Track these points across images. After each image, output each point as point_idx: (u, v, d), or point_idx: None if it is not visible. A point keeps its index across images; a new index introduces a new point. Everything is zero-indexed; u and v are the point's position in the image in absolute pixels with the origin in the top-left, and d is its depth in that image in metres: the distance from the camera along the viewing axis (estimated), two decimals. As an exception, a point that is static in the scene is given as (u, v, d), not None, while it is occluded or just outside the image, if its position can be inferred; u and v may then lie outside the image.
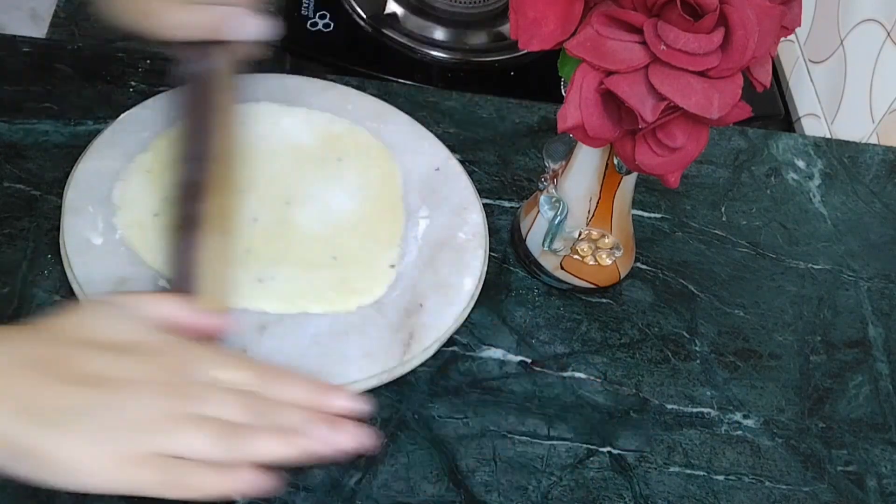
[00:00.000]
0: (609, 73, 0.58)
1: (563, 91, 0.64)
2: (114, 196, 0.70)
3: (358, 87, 0.82)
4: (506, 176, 0.81)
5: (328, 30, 1.11)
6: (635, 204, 0.77)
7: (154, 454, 0.51)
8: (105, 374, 0.52)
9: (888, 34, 0.97)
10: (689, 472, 0.67)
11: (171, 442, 0.52)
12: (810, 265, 0.81)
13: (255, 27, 0.70)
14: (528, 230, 0.74)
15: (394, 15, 1.13)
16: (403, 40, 1.12)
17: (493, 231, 0.76)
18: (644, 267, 0.78)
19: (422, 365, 0.68)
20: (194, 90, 0.69)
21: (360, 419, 0.56)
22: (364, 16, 1.13)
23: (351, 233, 0.72)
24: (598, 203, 0.70)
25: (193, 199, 0.64)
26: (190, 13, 0.68)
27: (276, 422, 0.54)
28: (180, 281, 0.61)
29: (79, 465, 0.50)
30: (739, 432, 0.70)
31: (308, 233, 0.71)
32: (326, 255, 0.71)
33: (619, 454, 0.67)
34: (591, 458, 0.67)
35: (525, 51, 0.62)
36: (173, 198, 0.65)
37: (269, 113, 0.77)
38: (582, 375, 0.71)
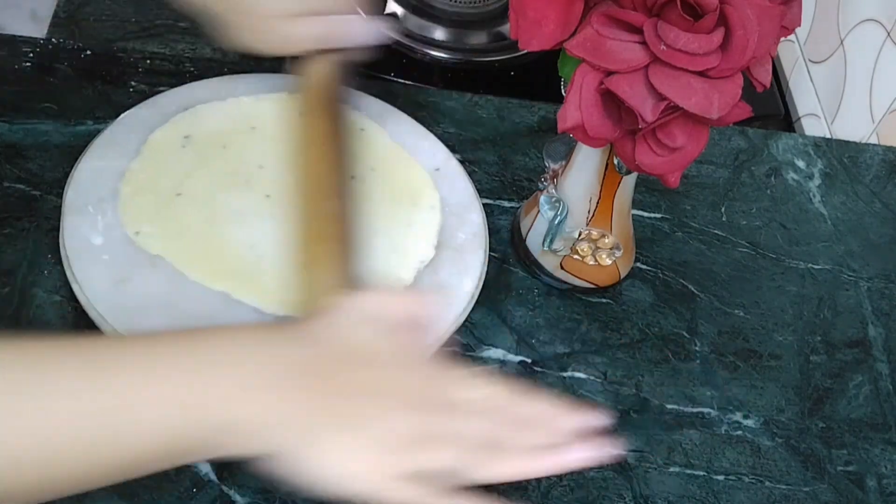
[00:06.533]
0: (609, 73, 0.58)
1: (563, 91, 0.64)
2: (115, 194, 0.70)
3: (358, 87, 0.82)
4: (506, 176, 0.81)
5: (328, 30, 1.11)
6: (635, 204, 0.77)
7: (414, 472, 0.52)
8: (370, 387, 0.53)
9: (888, 34, 0.97)
10: (689, 472, 0.67)
11: (430, 460, 0.53)
12: (810, 265, 0.81)
13: (365, 32, 0.71)
14: (528, 230, 0.74)
15: (394, 15, 1.13)
16: (403, 40, 1.12)
17: (493, 231, 0.76)
18: (644, 267, 0.78)
19: (422, 365, 0.68)
20: (309, 99, 0.70)
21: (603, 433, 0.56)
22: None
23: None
24: (598, 203, 0.70)
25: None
26: (301, 26, 0.69)
27: (524, 441, 0.55)
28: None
29: (349, 473, 0.51)
30: (739, 432, 0.70)
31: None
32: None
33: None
34: (591, 458, 0.67)
35: (525, 51, 0.62)
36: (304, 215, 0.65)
37: None
38: (582, 375, 0.71)
